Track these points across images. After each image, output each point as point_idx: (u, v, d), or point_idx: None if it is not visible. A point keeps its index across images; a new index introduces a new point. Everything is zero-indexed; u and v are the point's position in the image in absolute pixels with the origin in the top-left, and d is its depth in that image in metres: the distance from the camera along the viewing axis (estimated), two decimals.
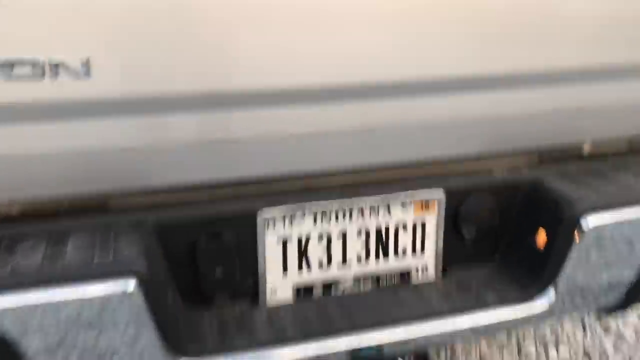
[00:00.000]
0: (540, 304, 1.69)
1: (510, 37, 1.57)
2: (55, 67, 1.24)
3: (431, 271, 1.80)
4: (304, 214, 1.64)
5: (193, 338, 1.53)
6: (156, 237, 1.49)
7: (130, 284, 1.30)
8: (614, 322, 2.95)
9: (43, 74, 1.23)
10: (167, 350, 1.41)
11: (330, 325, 1.61)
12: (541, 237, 1.73)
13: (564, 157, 1.86)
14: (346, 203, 1.66)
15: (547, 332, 2.80)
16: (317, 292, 1.72)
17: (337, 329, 1.59)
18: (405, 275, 1.78)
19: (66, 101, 1.29)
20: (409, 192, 1.70)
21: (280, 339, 1.55)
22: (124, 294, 1.30)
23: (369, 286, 1.76)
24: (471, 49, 1.55)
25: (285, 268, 1.67)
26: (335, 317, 1.64)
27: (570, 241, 1.66)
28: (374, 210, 1.69)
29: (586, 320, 2.89)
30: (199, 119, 1.43)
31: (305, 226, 1.65)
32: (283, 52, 1.41)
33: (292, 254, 1.66)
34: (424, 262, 1.79)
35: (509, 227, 1.81)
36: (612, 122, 1.82)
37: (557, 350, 2.66)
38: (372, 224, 1.70)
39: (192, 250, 1.56)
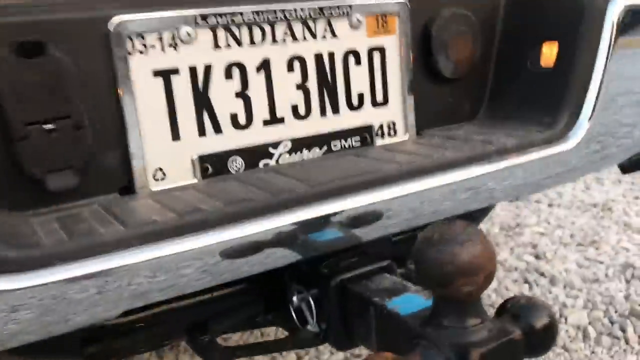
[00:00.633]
0: (570, 141, 1.13)
1: None
2: None
3: (400, 128, 1.20)
4: (195, 28, 0.98)
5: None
6: None
7: None
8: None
9: None
10: None
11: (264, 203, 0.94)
12: (548, 53, 1.18)
13: None
14: (265, 12, 1.03)
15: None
16: (236, 165, 1.06)
17: (277, 204, 0.92)
18: (365, 138, 1.17)
19: None
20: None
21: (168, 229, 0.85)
22: None
23: (315, 154, 1.12)
24: None
25: (176, 135, 1.00)
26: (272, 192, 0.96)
27: (596, 44, 1.12)
28: (308, 26, 1.07)
29: None
30: None
31: (200, 50, 0.99)
32: None
33: (183, 105, 0.99)
34: (389, 116, 1.18)
35: (501, 50, 1.25)
36: None
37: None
38: (308, 49, 1.08)
39: None
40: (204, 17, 0.98)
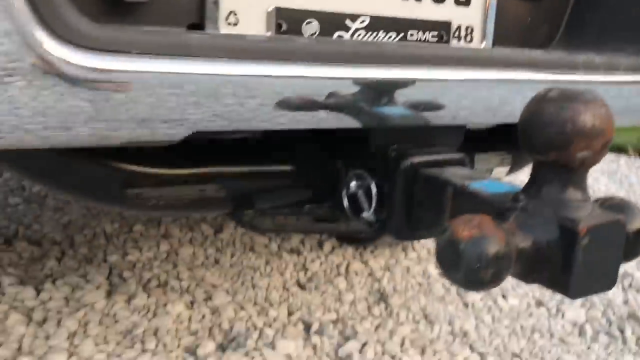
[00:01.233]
0: None
1: None
2: None
3: (477, 35, 1.13)
4: None
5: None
6: None
7: None
8: None
9: None
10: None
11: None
12: None
13: None
14: None
15: None
16: (311, 29, 0.97)
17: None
18: (442, 35, 1.09)
19: None
20: None
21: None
22: None
23: (391, 37, 1.03)
24: None
25: None
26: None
27: None
28: None
29: None
30: None
31: None
32: None
33: None
34: (469, 19, 1.11)
35: None
36: None
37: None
38: None
39: None
40: None
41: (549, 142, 0.70)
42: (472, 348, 1.79)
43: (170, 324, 1.79)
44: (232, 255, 2.30)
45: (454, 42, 1.09)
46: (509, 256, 0.67)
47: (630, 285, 2.50)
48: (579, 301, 2.20)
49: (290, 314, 1.92)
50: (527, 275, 0.73)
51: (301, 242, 2.43)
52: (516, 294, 2.16)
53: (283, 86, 0.75)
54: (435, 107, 0.90)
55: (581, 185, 0.73)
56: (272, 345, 1.73)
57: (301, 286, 2.12)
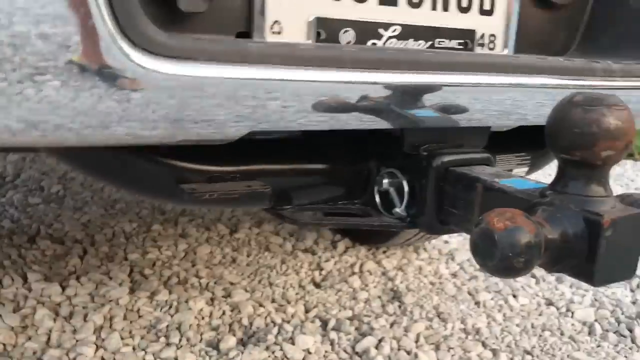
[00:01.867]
0: None
1: None
2: None
3: (499, 42, 1.19)
4: None
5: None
6: None
7: None
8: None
9: None
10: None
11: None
12: None
13: None
14: None
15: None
16: (347, 37, 1.04)
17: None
18: (467, 43, 1.16)
19: None
20: None
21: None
22: None
23: (420, 44, 1.10)
24: None
25: None
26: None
27: None
28: None
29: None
30: None
31: None
32: None
33: None
34: (492, 27, 1.18)
35: None
36: None
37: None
38: None
39: None
40: None
41: (575, 142, 0.76)
42: (484, 345, 1.85)
43: (192, 319, 1.85)
44: (248, 255, 2.37)
45: (477, 49, 1.16)
46: (538, 246, 0.74)
47: (638, 287, 2.55)
48: (588, 301, 2.26)
49: (307, 311, 1.98)
50: (554, 264, 0.79)
51: (315, 242, 2.49)
52: (526, 293, 2.22)
53: (328, 90, 0.82)
54: (462, 110, 0.96)
55: (604, 181, 0.80)
56: (291, 340, 1.79)
57: (316, 284, 2.18)
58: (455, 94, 0.93)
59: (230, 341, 1.76)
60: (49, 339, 1.73)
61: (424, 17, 1.09)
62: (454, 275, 2.35)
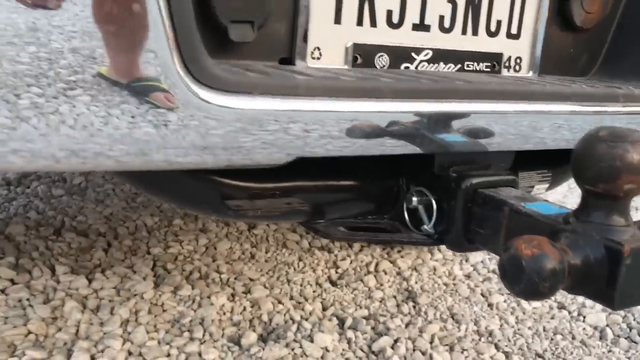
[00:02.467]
0: None
1: None
2: None
3: (525, 65, 1.24)
4: None
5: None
6: None
7: None
8: None
9: None
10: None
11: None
12: None
13: None
14: None
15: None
16: (382, 61, 1.09)
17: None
18: (494, 65, 1.20)
19: None
20: None
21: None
22: None
23: (450, 67, 1.15)
24: None
25: (338, 19, 1.03)
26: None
27: None
28: None
29: None
30: None
31: None
32: None
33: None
34: (518, 51, 1.22)
35: (627, 5, 1.29)
36: None
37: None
38: None
39: None
40: None
41: (600, 175, 0.82)
42: (497, 347, 1.91)
43: (214, 314, 1.92)
44: (267, 251, 2.43)
45: (504, 72, 1.21)
46: (562, 272, 0.79)
47: None
48: (599, 306, 2.31)
49: (324, 309, 2.04)
50: (575, 288, 0.85)
51: (331, 241, 2.55)
52: None
53: (368, 118, 0.87)
54: (490, 134, 1.02)
55: (625, 212, 0.85)
56: (310, 338, 1.85)
57: (333, 283, 2.24)
58: (487, 121, 0.98)
59: (251, 337, 1.82)
60: (77, 330, 1.80)
61: (454, 41, 1.14)
62: (468, 276, 2.41)
